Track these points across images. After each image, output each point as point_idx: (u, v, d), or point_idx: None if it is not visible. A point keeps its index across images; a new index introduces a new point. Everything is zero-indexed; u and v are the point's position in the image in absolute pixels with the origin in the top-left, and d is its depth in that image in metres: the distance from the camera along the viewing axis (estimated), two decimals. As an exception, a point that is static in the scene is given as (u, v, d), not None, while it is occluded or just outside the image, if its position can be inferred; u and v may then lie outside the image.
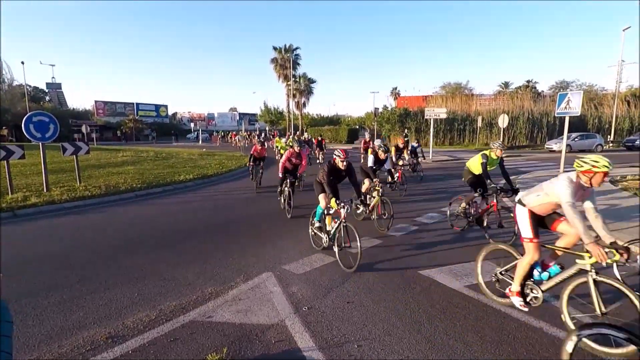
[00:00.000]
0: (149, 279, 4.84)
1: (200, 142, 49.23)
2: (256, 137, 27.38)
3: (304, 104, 56.99)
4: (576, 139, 26.38)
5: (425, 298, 4.22)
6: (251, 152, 12.18)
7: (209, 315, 3.87)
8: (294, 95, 54.09)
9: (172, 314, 3.91)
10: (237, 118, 78.55)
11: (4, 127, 45.38)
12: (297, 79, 54.05)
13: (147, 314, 3.90)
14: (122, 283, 4.72)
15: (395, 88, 74.34)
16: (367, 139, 14.82)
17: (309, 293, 4.39)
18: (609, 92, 39.55)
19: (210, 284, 4.68)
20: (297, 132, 40.24)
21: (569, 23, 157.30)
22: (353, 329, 3.60)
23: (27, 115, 10.34)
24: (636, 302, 2.88)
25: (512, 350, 3.23)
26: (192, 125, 61.53)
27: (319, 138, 21.75)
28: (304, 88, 54.88)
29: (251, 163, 12.20)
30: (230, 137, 47.97)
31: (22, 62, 42.31)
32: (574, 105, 12.82)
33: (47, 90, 63.63)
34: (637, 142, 26.62)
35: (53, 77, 61.01)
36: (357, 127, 59.36)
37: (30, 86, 58.06)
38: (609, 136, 31.60)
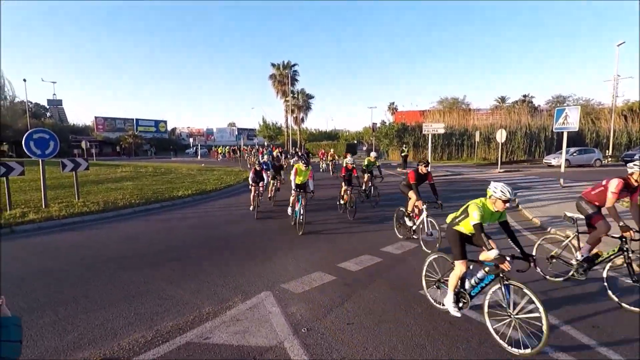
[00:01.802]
0: (145, 297, 4.77)
1: (199, 157, 49.30)
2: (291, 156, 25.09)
3: (303, 119, 57.31)
4: (575, 154, 26.44)
5: (426, 319, 4.15)
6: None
7: (206, 336, 3.80)
8: (293, 111, 54.44)
9: (168, 334, 3.84)
10: (236, 133, 78.80)
11: (4, 143, 45.53)
12: (296, 95, 54.49)
13: (143, 335, 3.83)
14: (119, 301, 4.65)
15: (393, 103, 74.83)
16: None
17: (308, 313, 4.32)
18: (605, 106, 39.87)
19: (208, 303, 4.61)
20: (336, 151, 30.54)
21: (564, 37, 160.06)
22: (353, 351, 3.52)
23: (28, 132, 10.39)
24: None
25: (515, 374, 3.15)
26: (190, 140, 61.78)
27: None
28: (302, 104, 55.29)
29: None
30: (248, 153, 37.92)
31: (24, 80, 42.74)
32: (571, 120, 12.94)
33: (48, 107, 63.98)
34: (637, 157, 26.71)
35: (54, 94, 61.42)
36: (355, 141, 59.62)
37: (31, 103, 58.51)
38: (607, 151, 31.75)
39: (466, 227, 4.08)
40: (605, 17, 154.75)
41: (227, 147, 48.10)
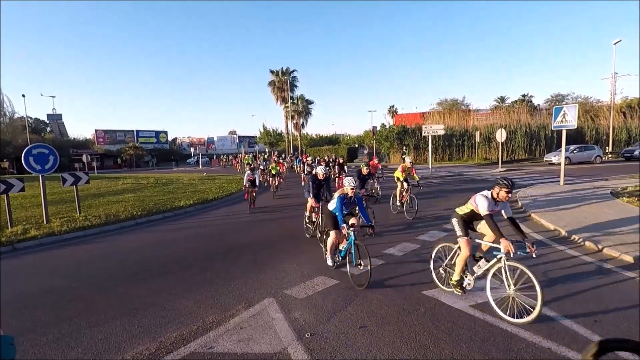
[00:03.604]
0: (149, 310, 4.76)
1: (200, 166, 49.49)
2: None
3: (303, 125, 57.53)
4: (575, 151, 26.42)
5: (430, 320, 4.14)
6: None
7: (210, 345, 3.79)
8: (292, 117, 54.65)
9: (172, 345, 3.83)
10: (237, 141, 79.10)
11: (5, 160, 45.76)
12: (295, 101, 54.74)
13: (147, 347, 3.82)
14: (122, 315, 4.64)
15: (393, 106, 75.05)
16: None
17: (312, 318, 4.31)
18: (604, 103, 39.90)
19: (211, 312, 4.61)
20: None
21: (562, 36, 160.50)
22: (357, 355, 3.51)
23: (27, 147, 10.42)
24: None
25: (521, 373, 3.14)
26: (192, 149, 62.01)
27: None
28: (302, 109, 55.50)
29: None
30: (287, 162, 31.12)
31: (23, 95, 43.09)
32: (569, 118, 12.96)
33: (48, 122, 64.34)
34: (636, 153, 26.65)
35: (54, 109, 61.68)
36: (356, 145, 59.73)
37: (31, 118, 58.87)
38: (607, 147, 31.73)
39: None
40: (601, 15, 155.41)
41: (249, 155, 38.03)
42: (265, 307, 4.67)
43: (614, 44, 30.19)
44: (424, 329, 3.93)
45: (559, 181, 14.46)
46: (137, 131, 66.69)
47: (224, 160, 53.80)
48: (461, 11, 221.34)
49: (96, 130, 62.99)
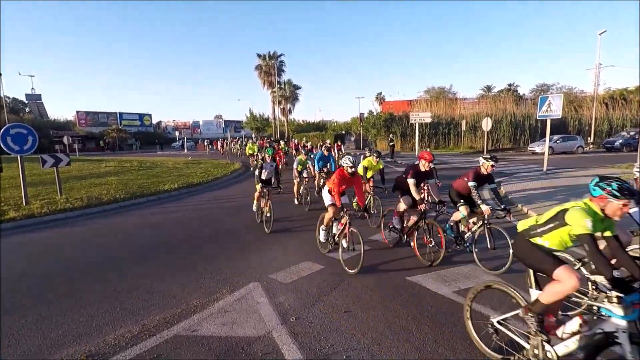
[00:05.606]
0: (132, 293, 4.70)
1: (185, 150, 48.80)
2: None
3: (290, 110, 57.15)
4: (558, 141, 26.88)
5: (413, 305, 4.19)
6: None
7: (193, 329, 3.77)
8: (279, 102, 54.17)
9: (155, 328, 3.79)
10: (223, 125, 78.01)
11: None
12: (282, 86, 54.16)
13: (129, 330, 3.78)
14: (104, 298, 4.57)
15: (380, 93, 75.00)
16: None
17: (297, 303, 4.32)
18: (587, 94, 40.50)
19: (195, 295, 4.57)
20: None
21: (548, 27, 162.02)
22: (341, 339, 3.54)
23: (4, 127, 10.06)
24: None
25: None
26: (177, 133, 61.09)
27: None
28: (289, 94, 54.98)
29: None
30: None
31: (0, 74, 41.38)
32: (554, 108, 13.11)
33: (26, 102, 62.14)
34: (617, 144, 27.23)
35: (33, 88, 59.25)
36: (344, 132, 59.52)
37: (9, 98, 56.80)
38: (589, 138, 32.34)
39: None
40: (587, 6, 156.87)
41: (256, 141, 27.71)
42: (250, 291, 4.66)
43: (599, 34, 30.52)
44: (408, 314, 3.98)
45: (542, 170, 14.72)
46: (120, 113, 65.04)
47: (234, 144, 39.78)
48: (450, 1, 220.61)
49: (77, 112, 61.17)
